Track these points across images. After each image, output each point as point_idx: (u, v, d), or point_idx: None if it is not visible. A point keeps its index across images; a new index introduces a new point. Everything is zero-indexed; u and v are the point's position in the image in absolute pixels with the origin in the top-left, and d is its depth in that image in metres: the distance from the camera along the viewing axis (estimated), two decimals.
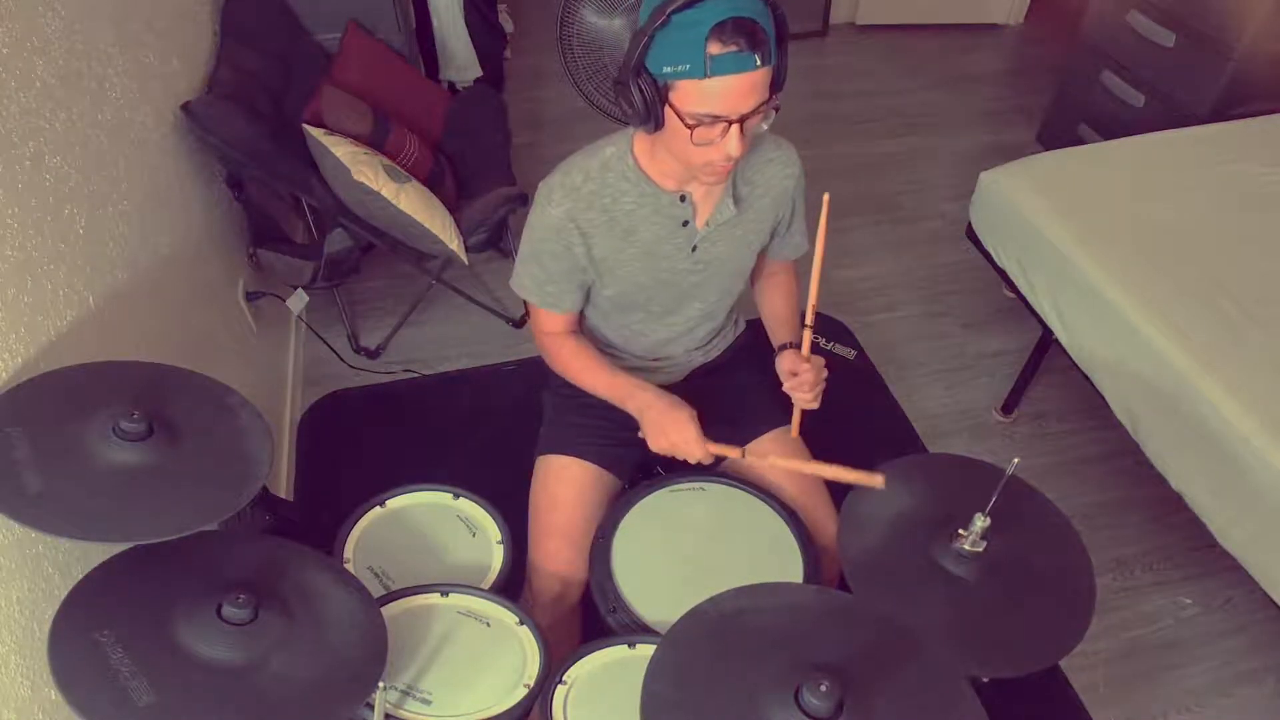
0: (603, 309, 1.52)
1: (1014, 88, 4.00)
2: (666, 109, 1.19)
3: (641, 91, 1.18)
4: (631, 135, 1.36)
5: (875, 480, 1.27)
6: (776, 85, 1.21)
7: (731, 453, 1.36)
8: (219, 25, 2.24)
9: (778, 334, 1.55)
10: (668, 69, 1.15)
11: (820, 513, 1.50)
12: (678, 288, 1.48)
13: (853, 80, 4.01)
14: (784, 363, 1.43)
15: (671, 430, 1.34)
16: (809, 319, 1.35)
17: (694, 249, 1.43)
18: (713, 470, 1.54)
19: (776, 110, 1.23)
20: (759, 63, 1.14)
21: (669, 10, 1.12)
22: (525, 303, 1.52)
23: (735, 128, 1.18)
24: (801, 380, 1.37)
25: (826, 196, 1.24)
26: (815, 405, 1.41)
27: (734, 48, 1.11)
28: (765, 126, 1.24)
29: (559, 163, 1.39)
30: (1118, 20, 3.03)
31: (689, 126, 1.18)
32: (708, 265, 1.46)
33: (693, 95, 1.16)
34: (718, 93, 1.15)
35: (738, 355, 1.69)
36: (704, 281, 1.48)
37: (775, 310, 1.58)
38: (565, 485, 1.51)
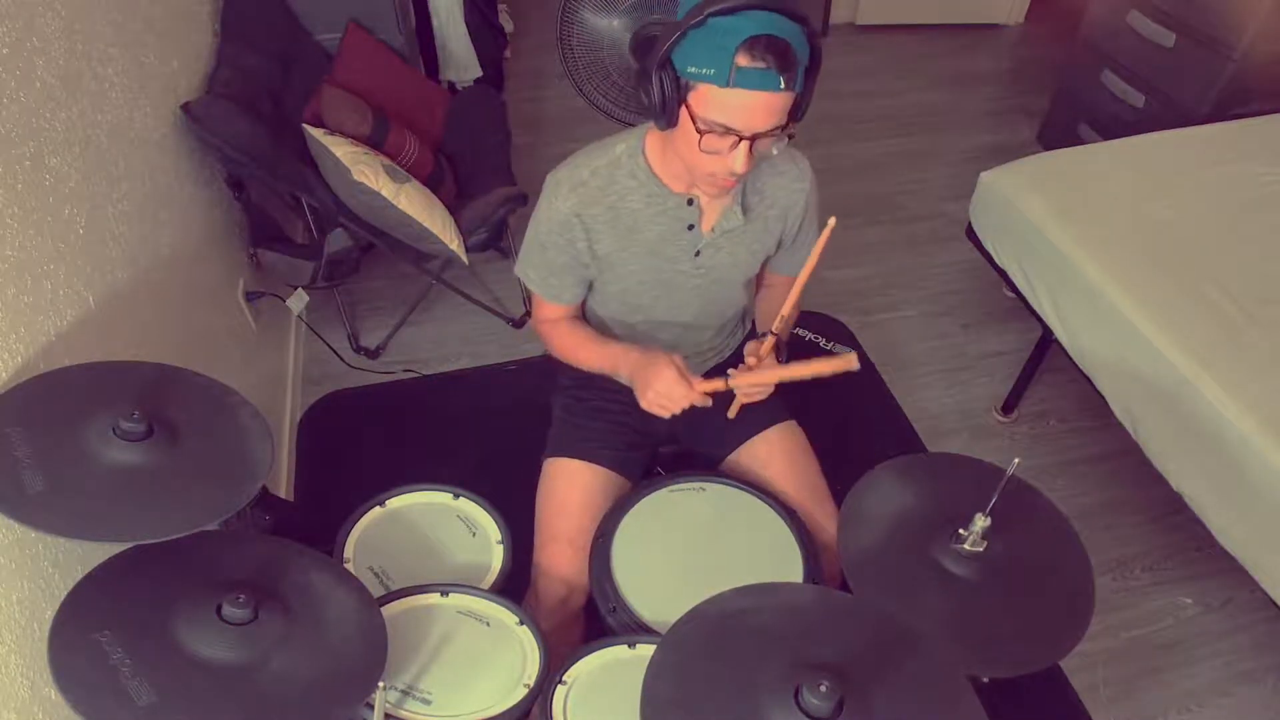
0: (609, 308, 1.52)
1: (1014, 88, 4.00)
2: (683, 109, 1.19)
3: (663, 85, 1.17)
4: (644, 134, 1.36)
5: (852, 365, 1.24)
6: (797, 114, 1.20)
7: (718, 385, 1.32)
8: (219, 25, 2.24)
9: (762, 325, 1.54)
10: (692, 69, 1.14)
11: (820, 513, 1.50)
12: (680, 290, 1.47)
13: (853, 80, 4.01)
14: (746, 349, 1.41)
15: (655, 380, 1.31)
16: (776, 326, 1.33)
17: (697, 253, 1.42)
18: (713, 470, 1.54)
19: (791, 137, 1.21)
20: (783, 85, 1.13)
21: (708, 11, 1.10)
22: (525, 302, 1.52)
23: (744, 145, 1.17)
24: (740, 379, 1.34)
25: (832, 221, 1.22)
26: (757, 398, 1.40)
27: (762, 64, 1.10)
28: (775, 151, 1.23)
29: (565, 159, 1.39)
30: (1118, 20, 3.03)
31: (699, 132, 1.17)
32: (709, 271, 1.45)
33: (711, 102, 1.15)
34: (735, 105, 1.14)
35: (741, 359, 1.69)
36: (705, 286, 1.48)
37: (770, 306, 1.57)
38: (574, 489, 1.51)
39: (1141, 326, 1.82)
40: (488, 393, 2.50)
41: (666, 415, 1.34)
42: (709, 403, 1.33)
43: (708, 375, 1.64)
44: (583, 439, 1.56)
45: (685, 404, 1.31)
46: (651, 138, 1.34)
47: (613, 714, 1.16)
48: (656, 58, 1.16)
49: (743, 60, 1.10)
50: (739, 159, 1.18)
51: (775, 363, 1.37)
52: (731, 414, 1.47)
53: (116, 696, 0.89)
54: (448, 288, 2.55)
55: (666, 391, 1.30)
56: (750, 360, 1.36)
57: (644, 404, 1.34)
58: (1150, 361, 1.80)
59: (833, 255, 3.09)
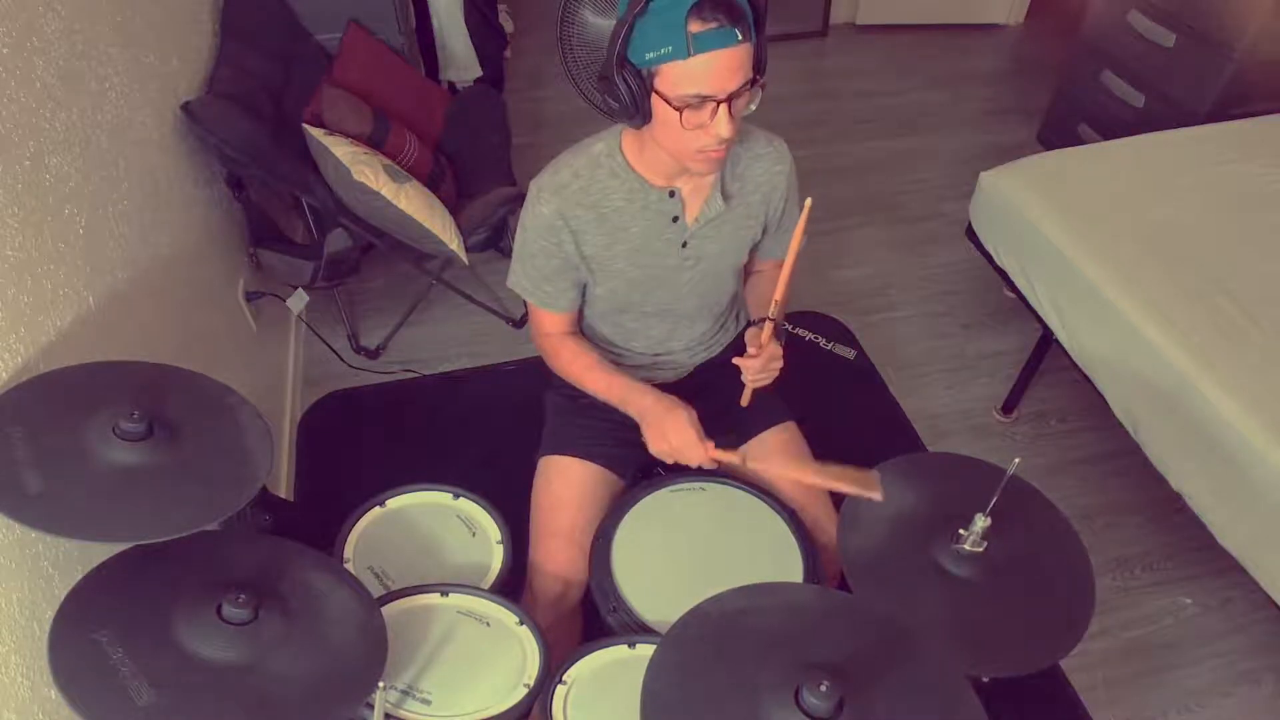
0: (598, 308, 1.52)
1: (1014, 88, 4.00)
2: (654, 98, 1.20)
3: (627, 84, 1.19)
4: (620, 131, 1.36)
5: (874, 494, 1.24)
6: (760, 66, 1.22)
7: (732, 458, 1.34)
8: (219, 25, 2.24)
9: (755, 312, 1.55)
10: (650, 55, 1.16)
11: (820, 512, 1.51)
12: (670, 284, 1.48)
13: (853, 80, 4.01)
14: (747, 337, 1.43)
15: (671, 433, 1.33)
16: (772, 311, 1.34)
17: (684, 245, 1.43)
18: (713, 470, 1.54)
19: (763, 88, 1.23)
20: (740, 37, 1.14)
21: None
22: (525, 303, 1.52)
23: (724, 108, 1.18)
24: (749, 363, 1.37)
25: (808, 202, 1.25)
26: (764, 383, 1.40)
27: (714, 24, 1.12)
28: (753, 107, 1.24)
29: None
30: (1118, 20, 3.03)
31: (677, 109, 1.18)
32: (699, 261, 1.46)
33: (678, 77, 1.16)
34: (703, 71, 1.15)
35: (740, 351, 1.69)
36: (696, 278, 1.48)
37: (760, 292, 1.57)
38: (568, 486, 1.51)
39: (1141, 326, 1.82)
40: (487, 393, 2.50)
41: (669, 462, 1.36)
42: (712, 464, 1.34)
43: (700, 369, 1.65)
44: (577, 436, 1.56)
45: (695, 464, 1.33)
46: (628, 133, 1.35)
47: (613, 714, 1.16)
48: (612, 61, 1.18)
49: (695, 26, 1.12)
50: (722, 124, 1.19)
51: (777, 348, 1.38)
52: (744, 402, 1.47)
53: (116, 696, 0.89)
54: (448, 288, 2.55)
55: (681, 448, 1.32)
56: (752, 348, 1.37)
57: (653, 449, 1.36)
58: (1150, 361, 1.80)
59: (833, 255, 3.12)
